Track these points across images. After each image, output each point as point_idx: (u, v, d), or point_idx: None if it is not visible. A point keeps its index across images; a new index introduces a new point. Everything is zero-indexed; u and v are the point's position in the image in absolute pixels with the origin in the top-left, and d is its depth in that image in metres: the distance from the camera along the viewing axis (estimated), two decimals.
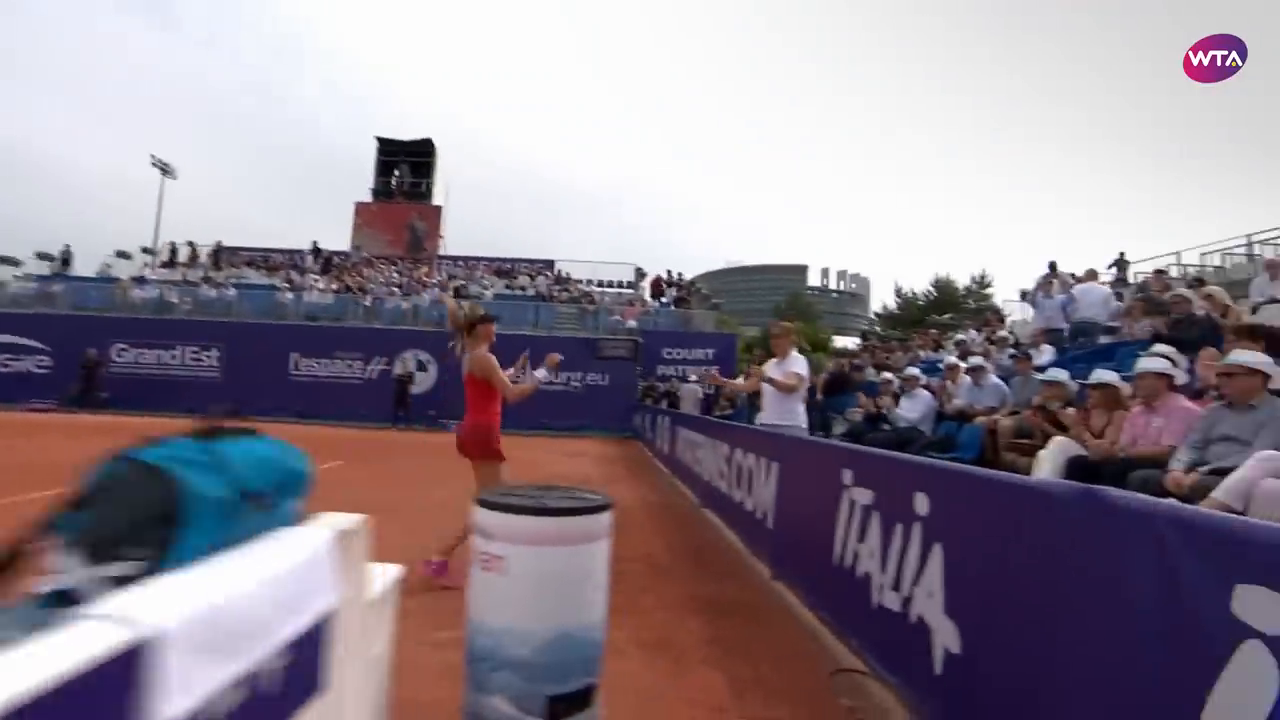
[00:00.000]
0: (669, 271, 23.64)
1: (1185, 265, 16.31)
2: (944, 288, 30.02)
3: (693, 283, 23.43)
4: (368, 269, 24.45)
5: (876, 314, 34.50)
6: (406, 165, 29.09)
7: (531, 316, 20.34)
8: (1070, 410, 4.72)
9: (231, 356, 18.47)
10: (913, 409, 7.50)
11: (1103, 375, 4.53)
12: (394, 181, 29.44)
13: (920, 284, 31.13)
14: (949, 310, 27.47)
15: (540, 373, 4.10)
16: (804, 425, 4.99)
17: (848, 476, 3.08)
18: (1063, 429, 4.71)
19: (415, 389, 18.26)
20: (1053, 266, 10.62)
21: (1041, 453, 4.33)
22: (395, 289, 21.39)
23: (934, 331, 16.63)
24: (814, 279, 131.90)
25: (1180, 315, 7.01)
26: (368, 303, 20.74)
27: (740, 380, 7.80)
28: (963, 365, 7.56)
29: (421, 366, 18.67)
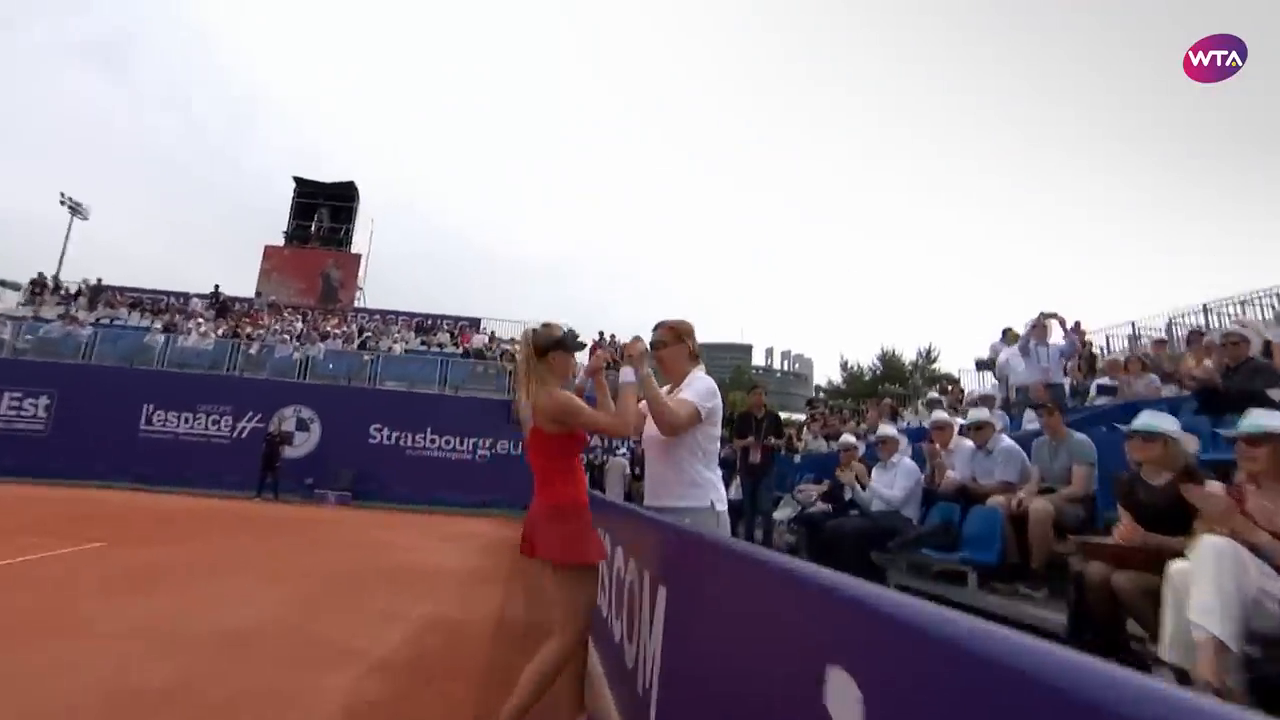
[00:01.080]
0: (600, 333, 21.61)
1: (1141, 330, 15.28)
2: (890, 361, 29.02)
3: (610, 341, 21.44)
4: (271, 317, 21.59)
5: (821, 388, 33.18)
6: (326, 209, 26.78)
7: (438, 374, 17.81)
8: (1217, 487, 2.64)
9: (65, 406, 15.16)
10: (891, 484, 5.39)
11: (1269, 422, 2.51)
12: (313, 226, 27.07)
13: (865, 358, 30.08)
14: (896, 383, 26.25)
15: (627, 373, 2.52)
16: (719, 505, 2.62)
17: (828, 645, 0.86)
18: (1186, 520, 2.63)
19: (292, 452, 15.30)
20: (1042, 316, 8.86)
21: (1198, 566, 2.20)
22: (286, 336, 18.59)
23: (889, 401, 14.89)
24: (759, 358, 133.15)
25: (1235, 361, 5.24)
26: (253, 351, 17.87)
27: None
28: (957, 423, 5.54)
29: (303, 425, 15.78)
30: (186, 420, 15.42)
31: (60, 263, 24.94)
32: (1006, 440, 4.90)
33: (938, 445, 5.46)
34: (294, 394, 16.06)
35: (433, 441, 15.98)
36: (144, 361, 16.45)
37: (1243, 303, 13.79)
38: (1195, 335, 8.72)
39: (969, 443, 5.21)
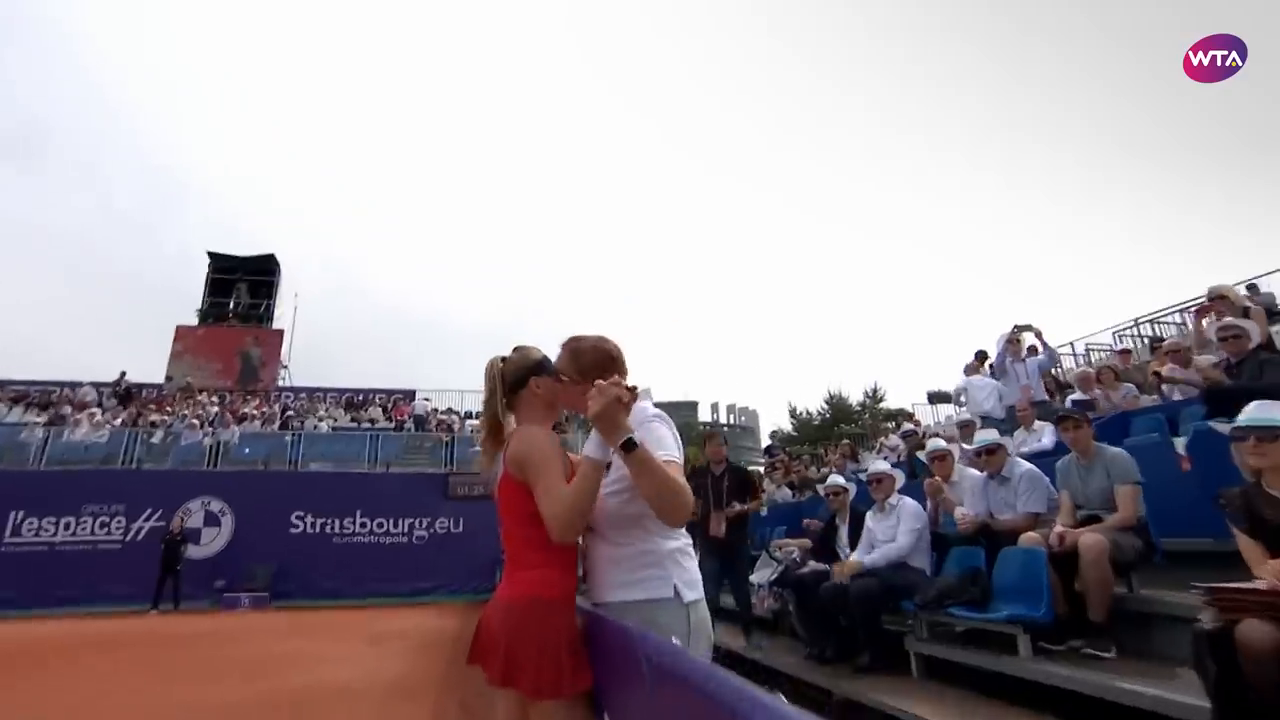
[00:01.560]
0: None
1: (1089, 346, 15.38)
2: (838, 404, 28.83)
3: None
4: (182, 403, 19.54)
5: (775, 433, 32.72)
6: (244, 284, 25.15)
7: (368, 451, 16.28)
8: None
9: None
10: (893, 531, 4.53)
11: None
12: (231, 303, 25.30)
13: (814, 403, 29.79)
14: (848, 424, 25.97)
15: (589, 443, 1.59)
16: (688, 594, 1.68)
17: None
18: None
19: (198, 551, 13.39)
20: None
21: None
22: (196, 421, 16.74)
23: (847, 442, 14.27)
24: (704, 414, 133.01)
25: (1238, 355, 4.72)
26: (156, 439, 15.95)
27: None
28: (958, 450, 4.78)
29: (213, 519, 13.90)
30: (67, 526, 13.30)
31: None
32: (1024, 464, 4.15)
33: (938, 478, 4.68)
34: (201, 484, 14.20)
35: (363, 526, 14.33)
36: (16, 462, 14.33)
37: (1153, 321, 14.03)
38: (1158, 341, 8.45)
39: (975, 472, 4.45)
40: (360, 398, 22.64)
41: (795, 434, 29.37)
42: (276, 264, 25.37)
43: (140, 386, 21.64)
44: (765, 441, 48.34)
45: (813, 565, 5.11)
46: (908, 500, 4.58)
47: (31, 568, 12.65)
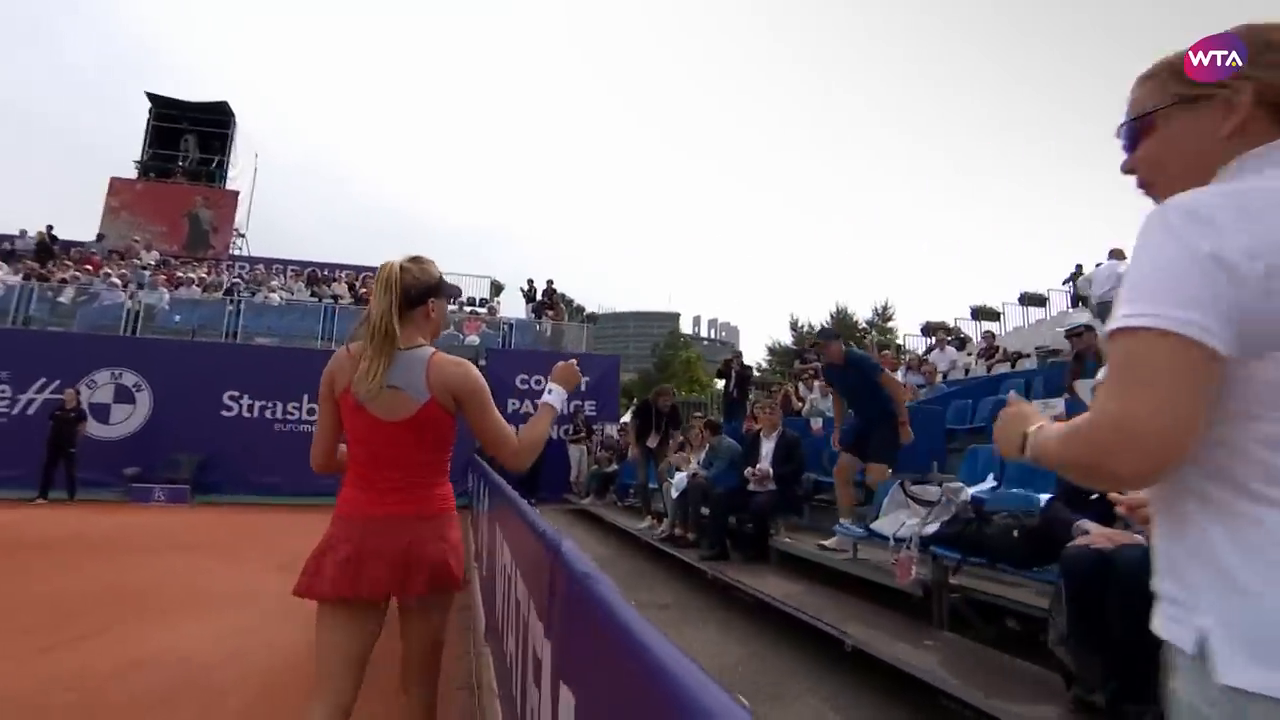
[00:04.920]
0: (529, 282, 17.53)
1: None
2: (842, 319, 26.34)
3: (560, 292, 17.45)
4: (116, 264, 16.18)
5: (767, 348, 30.33)
6: (193, 136, 21.20)
7: (322, 328, 13.44)
8: None
9: None
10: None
11: None
12: (181, 157, 21.39)
13: (818, 317, 27.15)
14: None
15: (553, 393, 1.90)
16: None
17: None
18: None
19: (105, 431, 10.74)
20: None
21: None
22: (118, 281, 13.63)
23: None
24: (686, 326, 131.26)
25: None
26: (64, 298, 12.88)
27: None
28: None
29: (125, 395, 11.14)
30: None
31: None
32: None
33: None
34: (113, 353, 11.33)
35: (311, 412, 11.69)
36: None
37: None
38: None
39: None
40: (325, 272, 19.42)
41: (794, 346, 26.98)
42: (231, 113, 21.34)
43: (68, 244, 18.24)
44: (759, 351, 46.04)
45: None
46: None
47: None
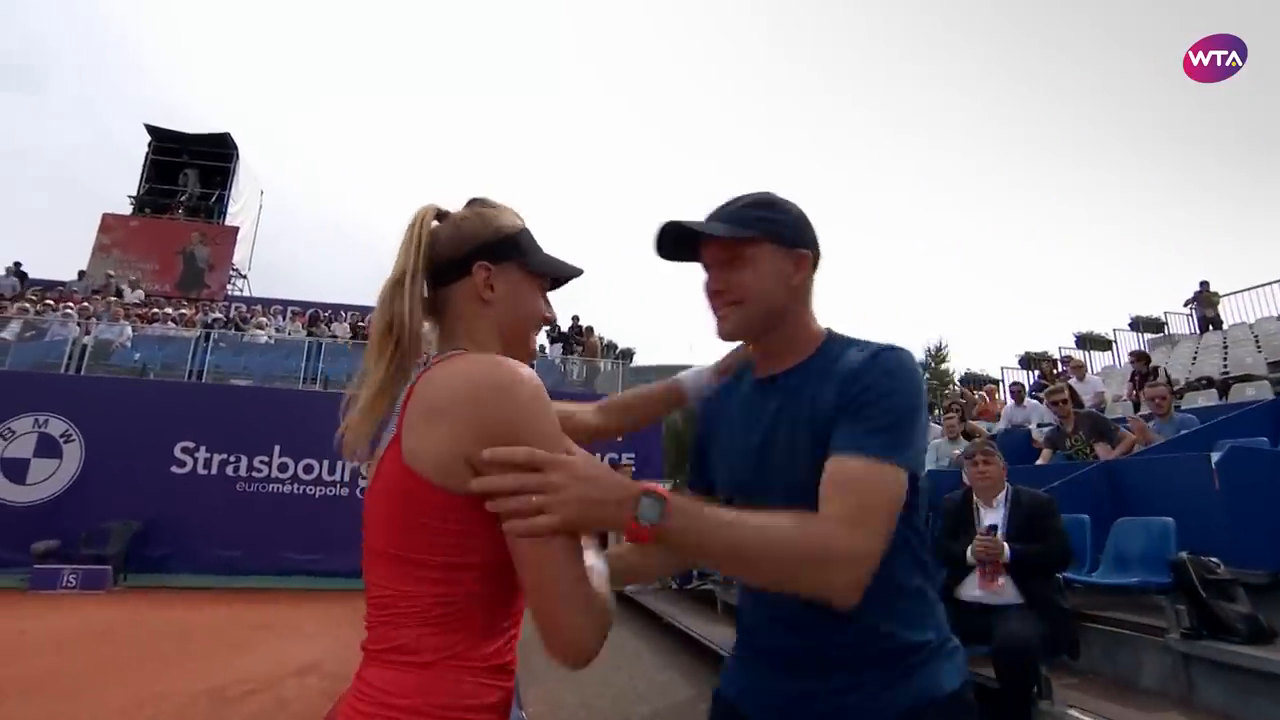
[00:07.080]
0: (575, 319, 15.23)
1: None
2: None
3: (589, 328, 15.09)
4: (95, 302, 14.09)
5: None
6: (193, 170, 19.58)
7: (307, 365, 11.15)
8: None
9: None
10: None
11: None
12: (182, 193, 19.72)
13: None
14: None
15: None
16: None
17: None
18: None
19: (18, 494, 8.34)
20: None
21: None
22: (73, 311, 11.49)
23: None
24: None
25: None
26: (8, 334, 10.72)
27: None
28: None
29: (49, 447, 8.77)
30: None
31: None
32: None
33: None
34: (41, 395, 9.03)
35: (283, 468, 9.23)
36: None
37: None
38: None
39: None
40: (327, 313, 17.30)
41: None
42: (234, 145, 19.74)
43: (49, 283, 16.36)
44: None
45: None
46: None
47: None
